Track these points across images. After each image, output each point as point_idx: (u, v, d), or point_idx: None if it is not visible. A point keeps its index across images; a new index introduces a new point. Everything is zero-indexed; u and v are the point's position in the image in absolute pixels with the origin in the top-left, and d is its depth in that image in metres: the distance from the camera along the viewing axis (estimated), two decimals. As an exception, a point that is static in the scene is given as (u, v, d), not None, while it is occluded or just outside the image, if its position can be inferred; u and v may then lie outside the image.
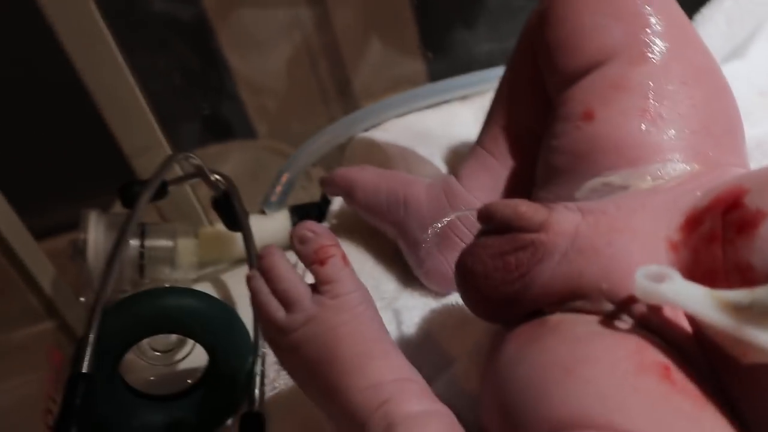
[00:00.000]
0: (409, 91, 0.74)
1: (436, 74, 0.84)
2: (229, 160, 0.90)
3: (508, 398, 0.38)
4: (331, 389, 0.41)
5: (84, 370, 0.48)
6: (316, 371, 0.42)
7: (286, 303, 0.43)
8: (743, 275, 0.36)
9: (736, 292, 0.35)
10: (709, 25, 0.66)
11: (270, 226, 0.72)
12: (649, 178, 0.46)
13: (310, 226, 0.45)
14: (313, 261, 0.43)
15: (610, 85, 0.49)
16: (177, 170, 0.73)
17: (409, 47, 0.85)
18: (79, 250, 0.59)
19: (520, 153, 0.57)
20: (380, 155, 0.70)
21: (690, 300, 0.35)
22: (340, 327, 0.42)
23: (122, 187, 0.63)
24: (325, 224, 0.70)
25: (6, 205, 0.63)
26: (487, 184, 0.58)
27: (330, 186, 0.66)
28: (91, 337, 0.49)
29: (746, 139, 0.50)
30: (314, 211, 0.73)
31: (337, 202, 0.71)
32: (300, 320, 0.42)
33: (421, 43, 0.86)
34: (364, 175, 0.64)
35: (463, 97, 0.75)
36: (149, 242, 0.62)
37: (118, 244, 0.54)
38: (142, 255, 0.61)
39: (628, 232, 0.41)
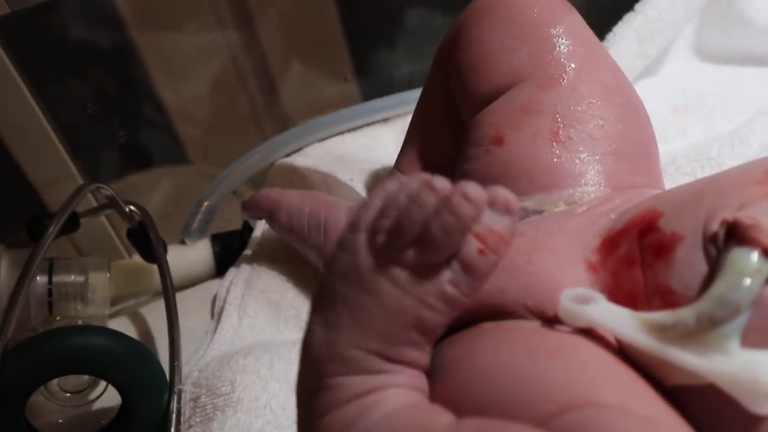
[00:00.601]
0: (330, 115, 0.72)
1: (368, 96, 0.82)
2: (157, 188, 0.86)
3: (488, 397, 0.35)
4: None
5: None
6: None
7: None
8: (664, 299, 0.35)
9: (660, 314, 0.34)
10: (620, 43, 0.66)
11: (190, 256, 0.69)
12: (562, 203, 0.45)
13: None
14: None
15: (519, 109, 0.48)
16: (92, 202, 0.70)
17: (339, 69, 0.84)
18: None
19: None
20: (301, 181, 0.68)
21: (616, 322, 0.34)
22: None
23: (30, 220, 0.59)
24: (247, 251, 0.67)
25: None
26: None
27: (253, 208, 0.64)
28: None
29: (660, 156, 0.50)
30: (236, 239, 0.71)
31: (258, 229, 0.69)
32: None
33: (351, 65, 0.85)
34: (288, 197, 0.62)
35: (385, 120, 0.73)
36: (58, 278, 0.58)
37: (21, 280, 0.51)
38: (50, 292, 0.57)
39: (547, 251, 0.40)
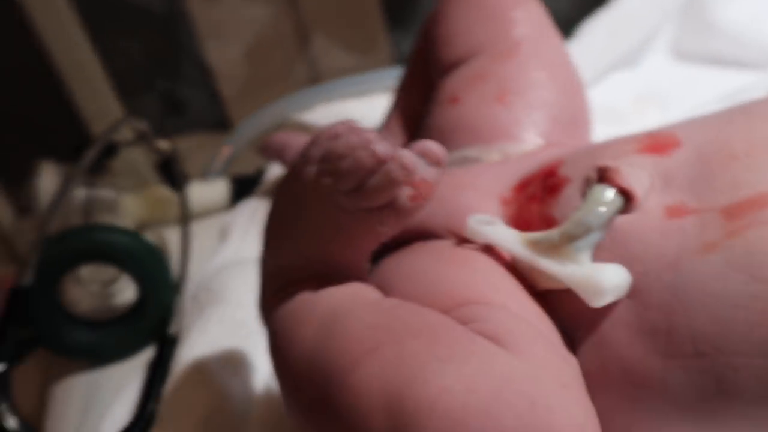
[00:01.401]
0: (338, 80, 0.81)
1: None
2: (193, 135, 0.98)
3: (409, 290, 0.42)
4: None
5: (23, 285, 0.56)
6: None
7: None
8: (548, 225, 0.44)
9: (537, 233, 0.42)
10: (590, 37, 0.74)
11: (211, 190, 0.79)
12: (497, 153, 0.53)
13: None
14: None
15: (474, 76, 0.57)
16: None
17: (372, 40, 0.93)
18: (33, 195, 0.66)
19: (411, 131, 0.65)
20: (309, 133, 0.77)
21: (505, 239, 0.43)
22: None
23: (77, 145, 0.70)
24: (258, 189, 0.77)
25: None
26: None
27: (267, 149, 0.74)
28: (32, 260, 0.57)
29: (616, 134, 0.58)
30: (251, 180, 0.81)
31: (271, 172, 0.79)
32: None
33: (384, 36, 0.94)
34: (297, 139, 0.71)
35: (387, 89, 0.82)
36: (95, 193, 0.69)
37: (65, 185, 0.62)
38: (88, 203, 0.68)
39: (471, 188, 0.49)
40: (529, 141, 0.54)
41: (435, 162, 0.40)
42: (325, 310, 0.40)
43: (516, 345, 0.36)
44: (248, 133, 0.81)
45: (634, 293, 0.40)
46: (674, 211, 0.40)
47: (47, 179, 0.66)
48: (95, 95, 0.78)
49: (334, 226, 0.41)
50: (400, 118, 0.66)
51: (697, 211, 0.39)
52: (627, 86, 0.77)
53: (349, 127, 0.40)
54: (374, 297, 0.41)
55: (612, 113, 0.72)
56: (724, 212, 0.39)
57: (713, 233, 0.39)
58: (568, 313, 0.41)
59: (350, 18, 0.95)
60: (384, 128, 0.67)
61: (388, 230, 0.41)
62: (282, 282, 0.44)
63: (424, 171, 0.39)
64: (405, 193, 0.39)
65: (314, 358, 0.38)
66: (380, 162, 0.39)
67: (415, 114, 0.65)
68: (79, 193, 0.68)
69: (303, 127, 0.79)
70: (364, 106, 0.79)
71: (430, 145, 0.40)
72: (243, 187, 0.80)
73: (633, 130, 0.72)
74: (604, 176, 0.42)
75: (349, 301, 0.40)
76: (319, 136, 0.42)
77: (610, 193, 0.41)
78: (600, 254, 0.41)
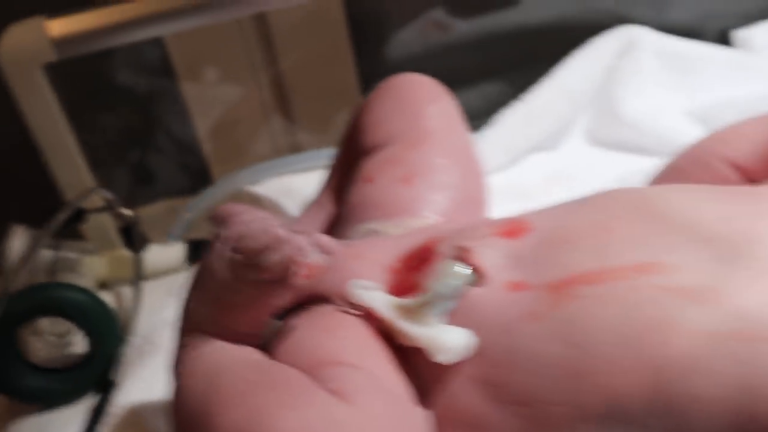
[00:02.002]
0: (288, 157, 0.90)
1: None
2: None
3: (288, 355, 0.50)
4: None
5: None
6: None
7: None
8: (419, 292, 0.52)
9: (405, 299, 0.50)
10: (505, 125, 0.84)
11: (167, 253, 0.87)
12: (398, 227, 0.61)
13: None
14: None
15: (387, 159, 0.65)
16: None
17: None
18: (2, 255, 0.74)
19: (339, 204, 0.73)
20: (256, 204, 0.86)
21: (376, 303, 0.51)
22: None
23: (48, 211, 0.78)
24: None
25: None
26: (317, 222, 0.73)
27: (214, 218, 0.82)
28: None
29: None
30: (205, 242, 0.88)
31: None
32: None
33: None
34: (240, 210, 0.79)
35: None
36: (61, 254, 0.77)
37: (31, 246, 0.70)
38: (54, 262, 0.76)
39: (363, 258, 0.56)
40: (427, 217, 0.62)
41: (325, 251, 0.50)
42: (211, 366, 0.48)
43: (355, 399, 0.43)
44: (205, 202, 0.89)
45: (479, 352, 0.47)
46: (515, 286, 0.48)
47: (17, 241, 0.74)
48: (71, 167, 0.86)
49: (234, 293, 0.50)
50: (332, 192, 0.74)
51: (532, 287, 0.47)
52: (541, 167, 0.85)
53: (256, 215, 0.50)
54: (254, 357, 0.49)
55: (522, 190, 0.81)
56: (551, 287, 0.46)
57: (541, 305, 0.46)
58: (425, 369, 0.48)
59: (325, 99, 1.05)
60: (316, 201, 0.75)
61: (279, 301, 0.50)
62: (191, 332, 0.52)
63: (314, 256, 0.49)
64: (296, 271, 0.48)
65: (194, 403, 0.45)
66: (278, 243, 0.48)
67: (343, 189, 0.73)
68: (46, 254, 0.76)
69: (254, 198, 0.87)
70: (310, 180, 0.88)
71: (322, 238, 0.51)
72: (198, 250, 0.88)
73: (536, 205, 0.81)
74: (460, 255, 0.50)
75: (230, 359, 0.48)
76: (234, 217, 0.51)
77: (461, 269, 0.49)
78: (454, 319, 0.48)
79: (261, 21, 1.01)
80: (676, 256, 0.45)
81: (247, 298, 0.50)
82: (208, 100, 1.06)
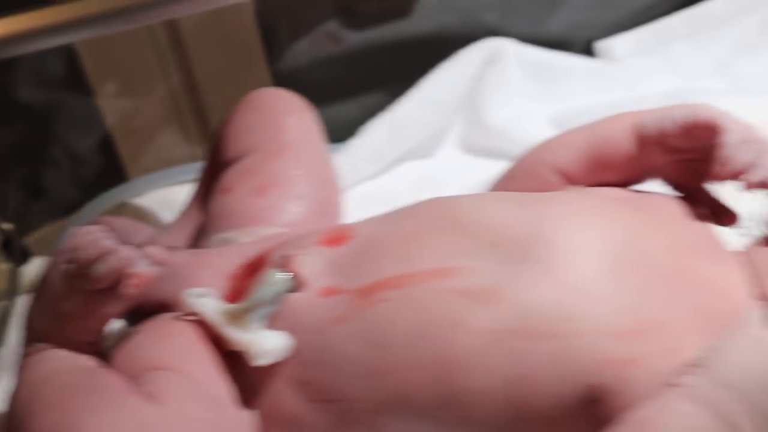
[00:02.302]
0: (170, 169, 0.93)
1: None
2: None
3: (123, 354, 0.53)
4: None
5: None
6: None
7: None
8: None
9: (231, 305, 0.53)
10: (374, 132, 0.88)
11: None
12: (249, 235, 0.63)
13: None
14: None
15: (245, 170, 0.68)
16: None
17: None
18: None
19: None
20: (137, 218, 0.88)
21: (207, 309, 0.53)
22: None
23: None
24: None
25: None
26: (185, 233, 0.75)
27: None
28: None
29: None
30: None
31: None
32: None
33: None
34: (113, 223, 0.81)
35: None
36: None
37: None
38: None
39: (206, 266, 0.58)
40: (275, 227, 0.64)
41: (157, 262, 0.53)
42: (42, 374, 0.50)
43: (167, 401, 0.46)
44: (89, 216, 0.90)
45: (295, 354, 0.50)
46: (329, 292, 0.51)
47: None
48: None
49: (68, 303, 0.52)
50: (200, 203, 0.77)
51: (344, 292, 0.51)
52: (411, 174, 0.89)
53: (88, 229, 0.52)
54: (86, 365, 0.51)
55: (391, 197, 0.84)
56: (359, 292, 0.50)
57: (349, 309, 0.50)
58: (251, 372, 0.51)
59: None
60: (185, 213, 0.77)
61: (111, 310, 0.52)
62: (33, 342, 0.54)
63: (143, 267, 0.51)
64: (125, 281, 0.51)
65: (19, 409, 0.48)
66: (106, 254, 0.50)
67: (207, 200, 0.75)
68: None
69: (135, 210, 0.89)
70: (189, 192, 0.90)
71: (154, 250, 0.55)
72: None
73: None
74: (282, 263, 0.53)
75: (62, 367, 0.51)
76: (73, 233, 0.54)
77: (281, 277, 0.52)
78: (275, 323, 0.51)
79: (172, 29, 1.02)
80: (469, 260, 0.49)
81: (79, 307, 0.52)
82: (120, 109, 1.07)
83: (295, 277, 0.52)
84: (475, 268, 0.48)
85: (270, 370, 0.51)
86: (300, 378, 0.50)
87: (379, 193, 0.85)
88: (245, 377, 0.52)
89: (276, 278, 0.52)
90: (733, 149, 0.54)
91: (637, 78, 0.95)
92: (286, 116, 0.72)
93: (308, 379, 0.50)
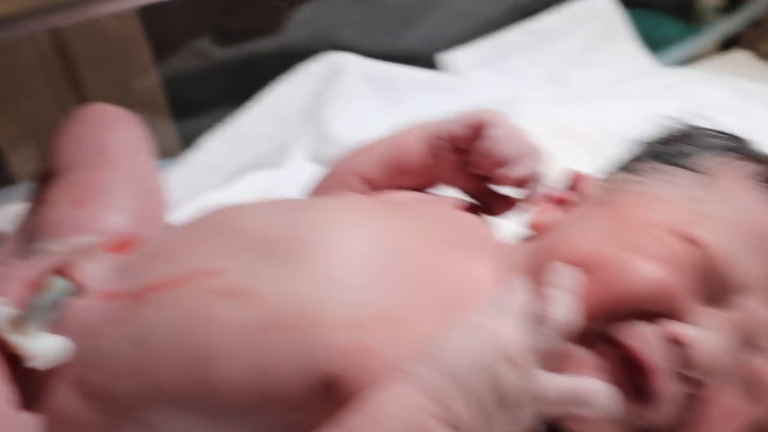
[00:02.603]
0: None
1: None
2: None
3: None
4: None
5: None
6: None
7: None
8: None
9: (15, 312, 0.55)
10: (212, 146, 0.90)
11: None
12: (66, 246, 0.65)
13: None
14: None
15: (69, 183, 0.70)
16: None
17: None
18: None
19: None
20: None
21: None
22: None
23: None
24: None
25: None
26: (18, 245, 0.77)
27: None
28: None
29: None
30: None
31: None
32: None
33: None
34: None
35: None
36: None
37: None
38: None
39: (11, 276, 0.59)
40: (95, 234, 0.66)
41: None
42: None
43: None
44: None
45: (75, 356, 0.53)
46: (109, 296, 0.54)
47: None
48: None
49: None
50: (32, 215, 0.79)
51: (122, 296, 0.53)
52: (256, 185, 0.92)
53: None
54: None
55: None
56: (134, 296, 0.53)
57: (124, 312, 0.52)
58: (37, 375, 0.53)
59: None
60: (22, 225, 0.79)
61: None
62: None
63: None
64: None
65: None
66: None
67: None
68: None
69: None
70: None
71: None
72: None
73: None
74: (63, 269, 0.56)
75: None
76: None
77: (60, 283, 0.54)
78: (58, 328, 0.53)
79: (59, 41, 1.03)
80: (228, 261, 0.52)
81: None
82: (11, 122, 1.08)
83: (74, 283, 0.55)
84: (232, 269, 0.52)
85: (54, 373, 0.53)
86: (79, 379, 0.52)
87: (223, 204, 0.88)
88: (30, 382, 0.54)
89: (54, 284, 0.54)
90: (493, 141, 0.59)
91: (476, 89, 1.00)
92: (111, 131, 0.75)
93: (85, 379, 0.52)
